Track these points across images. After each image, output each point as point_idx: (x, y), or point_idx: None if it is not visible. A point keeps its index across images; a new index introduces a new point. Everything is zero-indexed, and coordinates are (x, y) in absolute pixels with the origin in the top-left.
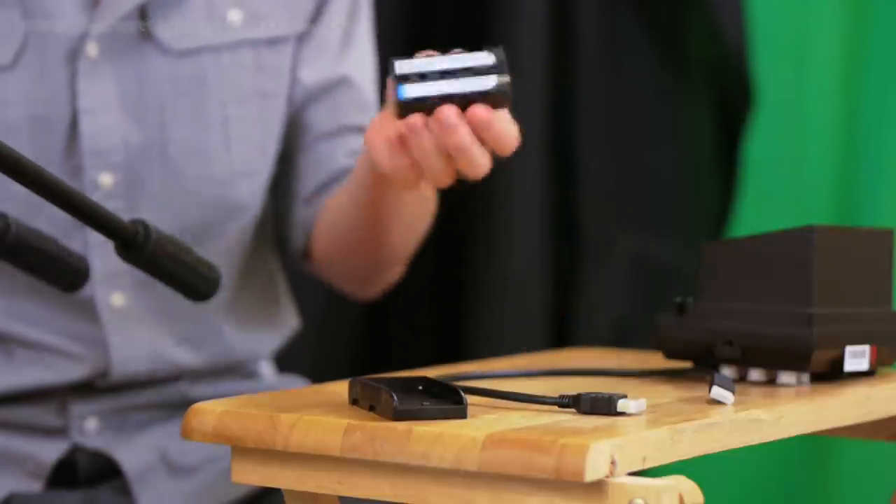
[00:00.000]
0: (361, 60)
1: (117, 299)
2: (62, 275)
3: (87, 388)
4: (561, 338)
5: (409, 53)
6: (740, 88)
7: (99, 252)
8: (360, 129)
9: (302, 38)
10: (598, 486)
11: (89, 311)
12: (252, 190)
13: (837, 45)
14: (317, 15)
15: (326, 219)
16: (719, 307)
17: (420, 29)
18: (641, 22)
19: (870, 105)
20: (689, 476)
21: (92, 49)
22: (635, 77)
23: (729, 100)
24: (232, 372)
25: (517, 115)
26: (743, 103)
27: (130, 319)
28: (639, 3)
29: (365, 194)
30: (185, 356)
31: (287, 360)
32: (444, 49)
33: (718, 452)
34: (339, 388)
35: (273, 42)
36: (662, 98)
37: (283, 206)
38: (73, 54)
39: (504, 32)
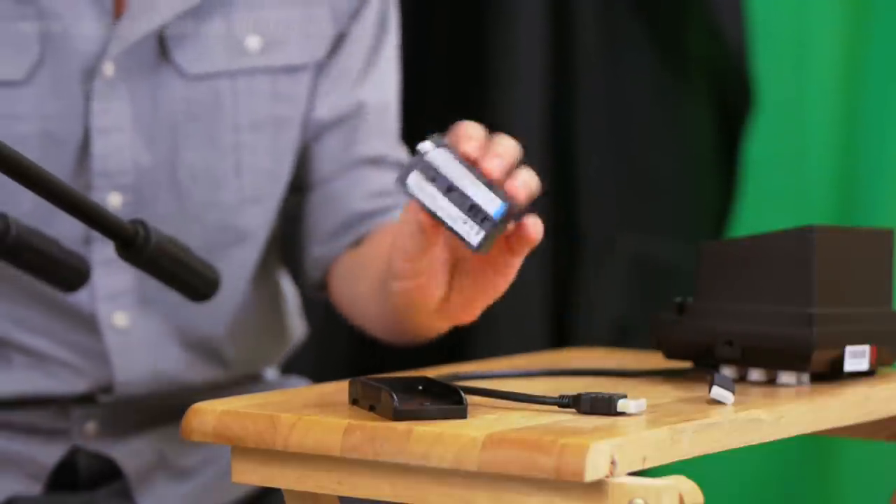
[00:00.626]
0: (383, 85)
1: (120, 319)
2: (62, 275)
3: (88, 399)
4: (561, 338)
5: (409, 54)
6: (740, 88)
7: (102, 272)
8: (374, 162)
9: (321, 67)
10: (598, 486)
11: (92, 328)
12: (260, 217)
13: (837, 44)
14: (339, 43)
15: (349, 282)
16: (719, 307)
17: (420, 29)
18: (641, 21)
19: (870, 105)
20: (689, 476)
21: (108, 68)
22: (635, 76)
23: (729, 100)
24: (233, 385)
25: (517, 116)
26: (743, 103)
27: (133, 339)
28: (638, 3)
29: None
30: (189, 375)
31: (288, 363)
32: (444, 52)
33: (718, 452)
34: (339, 388)
35: (291, 70)
36: (662, 98)
37: (299, 240)
38: (90, 72)
39: (503, 32)
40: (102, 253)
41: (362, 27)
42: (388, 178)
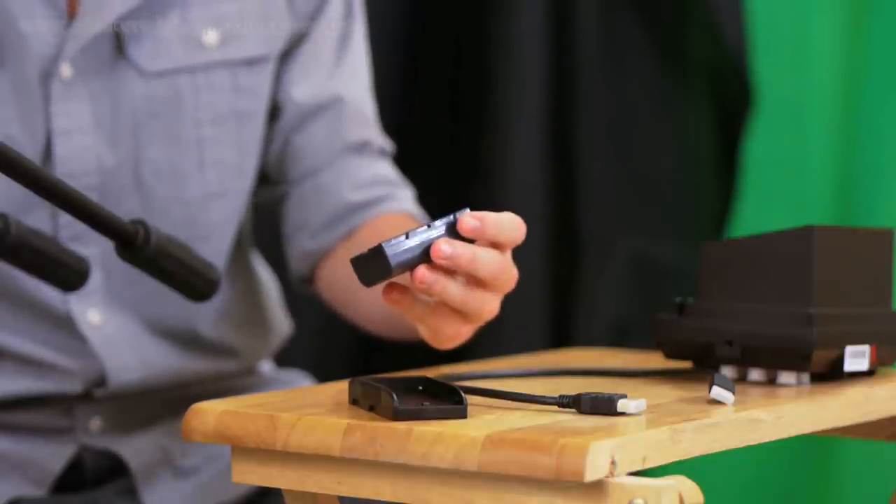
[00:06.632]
0: (356, 74)
1: (93, 316)
2: (62, 275)
3: (88, 396)
4: (561, 338)
5: (409, 55)
6: (740, 89)
7: None
8: (360, 149)
9: (286, 58)
10: (598, 486)
11: (70, 328)
12: (226, 211)
13: (837, 45)
14: (304, 33)
15: (345, 282)
16: (719, 307)
17: (420, 30)
18: (641, 23)
19: (870, 105)
20: (689, 476)
21: (66, 69)
22: (635, 78)
23: (729, 100)
24: (228, 378)
25: (518, 118)
26: (743, 104)
27: (112, 333)
28: (639, 5)
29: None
30: (177, 364)
31: (287, 360)
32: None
33: (718, 452)
34: (339, 388)
35: (250, 62)
36: (662, 99)
37: (287, 233)
38: (47, 74)
39: (504, 34)
40: None
41: (328, 17)
42: (375, 166)
